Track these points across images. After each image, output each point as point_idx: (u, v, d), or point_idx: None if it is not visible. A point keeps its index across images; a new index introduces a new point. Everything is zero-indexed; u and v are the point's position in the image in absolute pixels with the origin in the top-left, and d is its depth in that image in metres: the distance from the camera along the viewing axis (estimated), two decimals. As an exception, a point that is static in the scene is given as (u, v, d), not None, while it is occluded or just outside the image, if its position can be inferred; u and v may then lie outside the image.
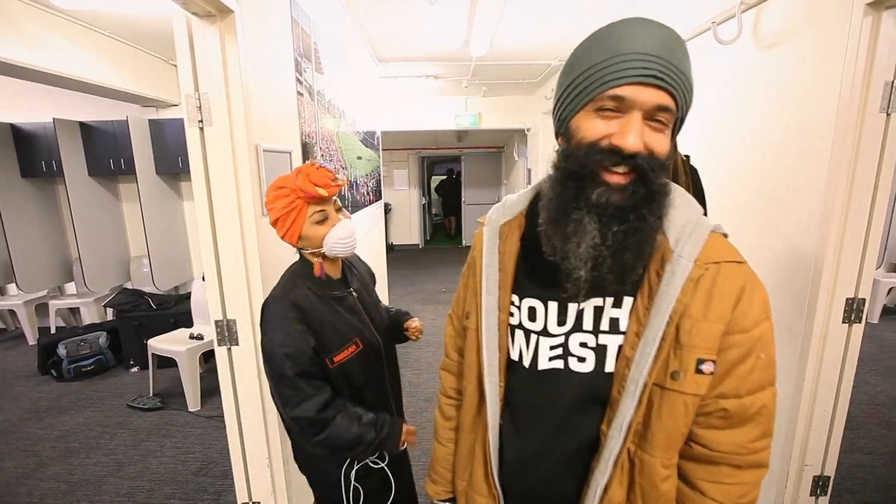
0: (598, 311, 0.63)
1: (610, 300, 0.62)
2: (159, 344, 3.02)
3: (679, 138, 2.22)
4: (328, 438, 1.00)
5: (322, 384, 1.04)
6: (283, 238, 1.06)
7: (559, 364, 0.65)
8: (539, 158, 5.53)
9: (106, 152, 3.79)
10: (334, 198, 1.07)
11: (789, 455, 1.67)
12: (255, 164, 1.45)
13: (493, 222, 0.72)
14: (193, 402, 2.94)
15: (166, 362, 3.16)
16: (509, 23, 3.28)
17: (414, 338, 1.33)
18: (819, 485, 1.67)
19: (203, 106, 1.33)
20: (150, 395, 3.07)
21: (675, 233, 0.59)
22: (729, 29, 1.88)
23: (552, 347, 0.65)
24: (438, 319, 4.67)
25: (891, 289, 4.41)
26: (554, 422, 0.66)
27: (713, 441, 0.62)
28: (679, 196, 0.62)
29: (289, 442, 1.23)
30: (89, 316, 4.15)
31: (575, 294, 0.59)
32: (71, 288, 4.41)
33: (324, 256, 1.08)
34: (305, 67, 1.97)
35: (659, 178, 0.56)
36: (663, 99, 0.54)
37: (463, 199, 9.38)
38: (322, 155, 2.21)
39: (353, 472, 1.14)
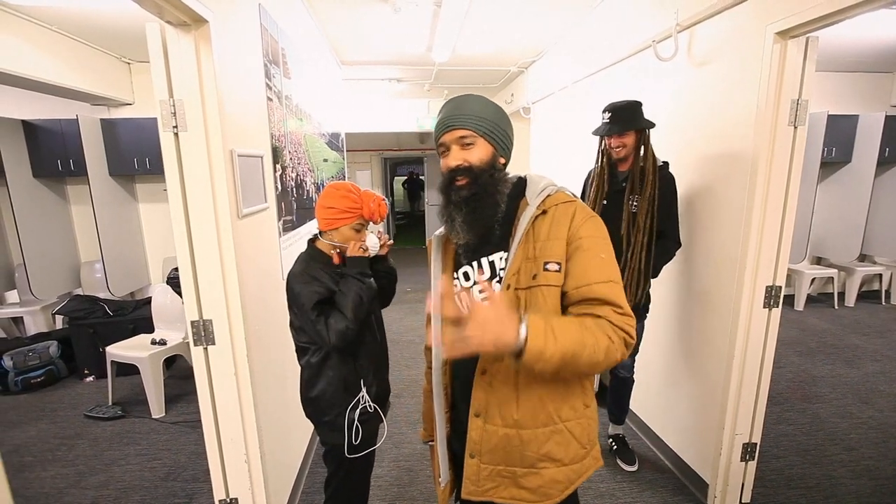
0: (499, 260, 0.97)
1: (502, 253, 0.96)
2: (119, 351, 2.93)
3: (657, 147, 2.39)
4: (353, 314, 1.35)
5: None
6: (324, 219, 1.39)
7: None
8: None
9: (53, 152, 3.62)
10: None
11: (723, 425, 1.89)
12: (231, 168, 1.49)
13: (437, 234, 1.12)
14: (157, 408, 2.87)
15: (125, 370, 3.08)
16: (471, 31, 3.42)
17: (382, 247, 1.58)
18: (748, 451, 1.90)
19: (178, 112, 1.36)
20: (110, 403, 2.98)
21: (531, 195, 0.97)
22: (668, 47, 2.10)
23: (480, 292, 0.97)
24: (404, 318, 4.75)
25: (813, 279, 4.91)
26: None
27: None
28: (534, 178, 1.00)
29: (266, 439, 1.35)
30: (35, 325, 3.93)
31: (466, 254, 0.99)
32: (12, 296, 4.15)
33: (339, 253, 1.45)
34: (274, 73, 2.01)
35: (483, 175, 0.93)
36: (461, 132, 0.93)
37: (426, 200, 9.46)
38: (291, 158, 2.25)
39: (357, 413, 1.45)
